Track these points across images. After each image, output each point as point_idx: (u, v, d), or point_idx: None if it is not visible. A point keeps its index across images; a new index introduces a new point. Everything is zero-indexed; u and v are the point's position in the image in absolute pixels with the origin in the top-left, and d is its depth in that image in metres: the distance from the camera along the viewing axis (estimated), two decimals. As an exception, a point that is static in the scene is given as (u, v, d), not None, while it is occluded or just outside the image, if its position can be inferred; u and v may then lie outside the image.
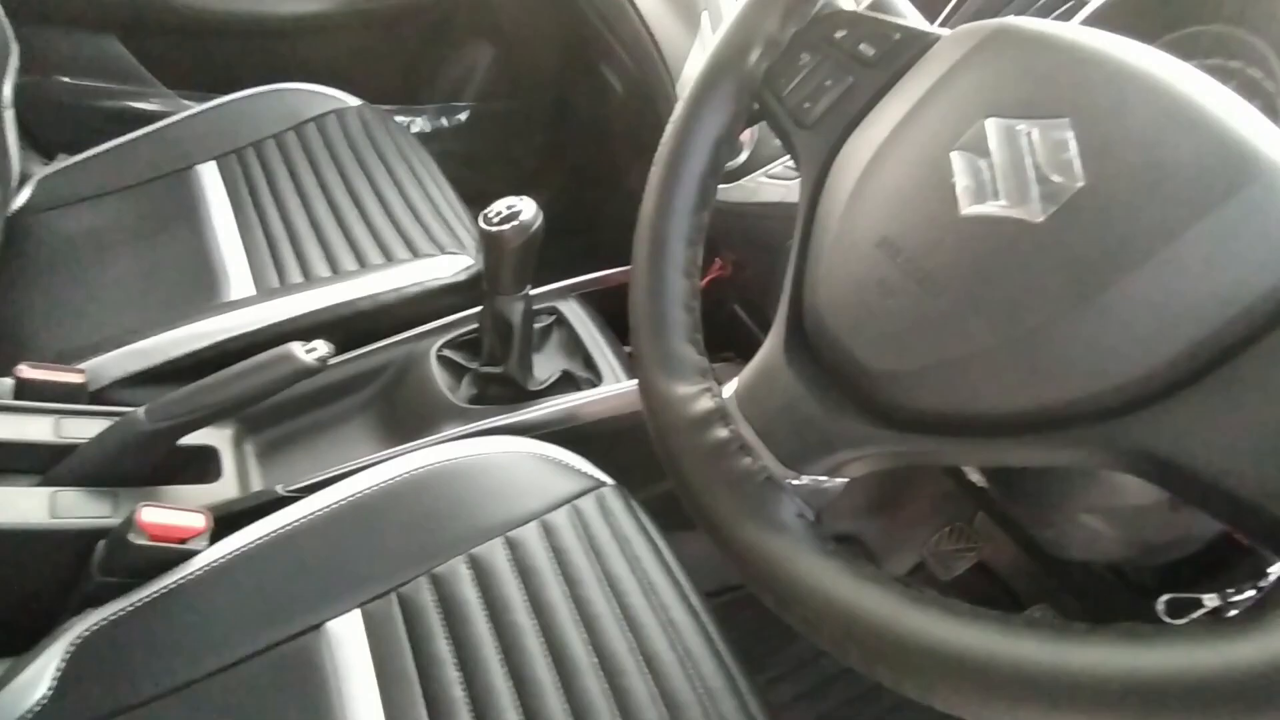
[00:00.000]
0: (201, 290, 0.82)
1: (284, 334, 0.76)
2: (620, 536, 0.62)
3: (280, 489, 0.65)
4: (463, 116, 1.36)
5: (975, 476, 0.54)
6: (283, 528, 0.59)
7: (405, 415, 0.75)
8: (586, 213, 1.40)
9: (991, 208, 0.29)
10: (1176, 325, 0.25)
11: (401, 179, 0.97)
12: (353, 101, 1.07)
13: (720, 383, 0.39)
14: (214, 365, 0.74)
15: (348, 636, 0.55)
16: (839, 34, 0.39)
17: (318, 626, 0.55)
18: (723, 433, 0.35)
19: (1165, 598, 0.39)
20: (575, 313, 0.85)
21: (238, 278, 0.83)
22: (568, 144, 1.40)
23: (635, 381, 0.76)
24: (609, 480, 0.66)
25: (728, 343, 0.98)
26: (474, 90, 1.35)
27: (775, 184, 0.73)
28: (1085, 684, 0.22)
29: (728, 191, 0.76)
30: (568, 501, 0.63)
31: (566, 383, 0.78)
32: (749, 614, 1.02)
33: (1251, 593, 0.34)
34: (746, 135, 0.76)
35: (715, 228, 0.84)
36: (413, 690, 0.53)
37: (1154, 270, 0.25)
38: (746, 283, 0.93)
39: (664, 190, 0.42)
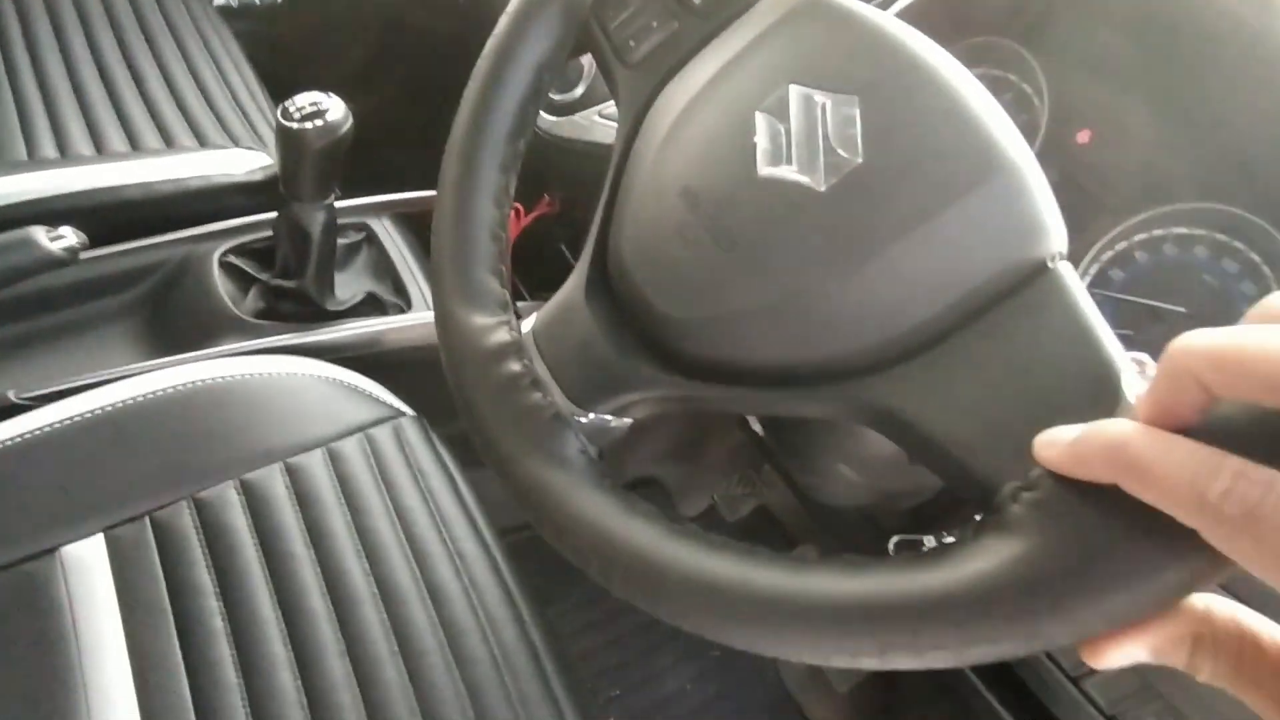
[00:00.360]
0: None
1: (26, 218, 0.65)
2: (414, 467, 0.60)
3: (12, 394, 0.56)
4: (278, -2, 1.21)
5: (757, 428, 0.58)
6: (14, 438, 0.51)
7: (176, 325, 0.67)
8: (417, 128, 1.31)
9: (784, 171, 0.30)
10: (916, 299, 0.28)
11: (193, 55, 0.85)
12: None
13: (522, 319, 0.39)
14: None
15: (88, 563, 0.49)
16: None
17: (51, 551, 0.49)
18: (515, 367, 0.35)
19: (895, 539, 0.44)
20: (388, 232, 0.80)
21: (-30, 144, 0.70)
22: (401, 51, 1.29)
23: (437, 332, 0.73)
24: (408, 410, 0.64)
25: (551, 282, 0.97)
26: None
27: (608, 124, 0.73)
28: (805, 606, 0.25)
29: (559, 125, 0.74)
30: (359, 430, 0.60)
31: (370, 305, 0.73)
32: (546, 550, 1.05)
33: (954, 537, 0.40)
34: (586, 66, 0.75)
35: (545, 163, 0.83)
36: (164, 620, 0.48)
37: (905, 247, 0.28)
38: (574, 222, 0.92)
39: (479, 112, 0.40)
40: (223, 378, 0.58)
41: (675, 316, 0.32)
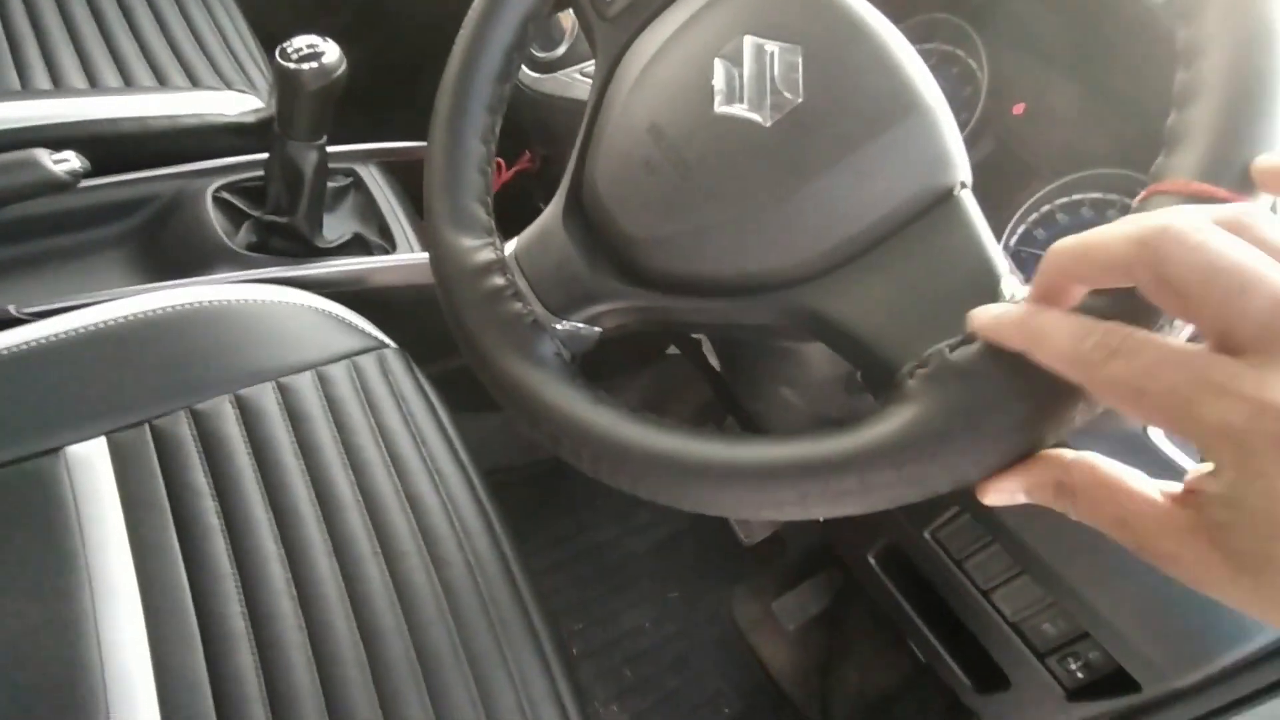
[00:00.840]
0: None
1: (25, 142, 0.67)
2: (398, 394, 0.65)
3: (13, 309, 0.59)
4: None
5: (715, 363, 0.64)
6: (17, 345, 0.54)
7: (171, 253, 0.70)
8: (402, 81, 1.33)
9: (737, 109, 0.35)
10: (844, 218, 0.33)
11: (185, 1, 0.87)
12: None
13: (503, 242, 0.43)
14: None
15: (91, 462, 0.53)
16: None
17: (56, 450, 0.52)
18: (499, 280, 0.39)
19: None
20: (374, 179, 0.83)
21: (-36, 72, 0.72)
22: (388, 6, 1.31)
23: (428, 254, 0.78)
24: (391, 343, 0.68)
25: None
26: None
27: (587, 82, 0.77)
28: (740, 467, 0.30)
29: (541, 82, 0.78)
30: (346, 357, 0.64)
31: (357, 245, 0.77)
32: (521, 492, 1.10)
33: None
34: (569, 27, 0.78)
35: (526, 119, 0.87)
36: (163, 517, 0.53)
37: (834, 175, 0.33)
38: (553, 179, 0.96)
39: (469, 55, 0.44)
40: (218, 301, 0.61)
41: (640, 235, 0.36)
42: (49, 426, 0.53)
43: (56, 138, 0.68)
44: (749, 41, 0.36)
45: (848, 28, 0.34)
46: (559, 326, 0.38)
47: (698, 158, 0.35)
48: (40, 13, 0.80)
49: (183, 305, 0.60)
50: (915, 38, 0.54)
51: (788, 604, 1.01)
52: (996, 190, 0.57)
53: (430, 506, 0.58)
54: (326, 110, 0.66)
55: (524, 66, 0.79)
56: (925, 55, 0.40)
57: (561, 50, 0.77)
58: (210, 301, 0.61)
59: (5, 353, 0.54)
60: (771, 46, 0.35)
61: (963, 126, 0.61)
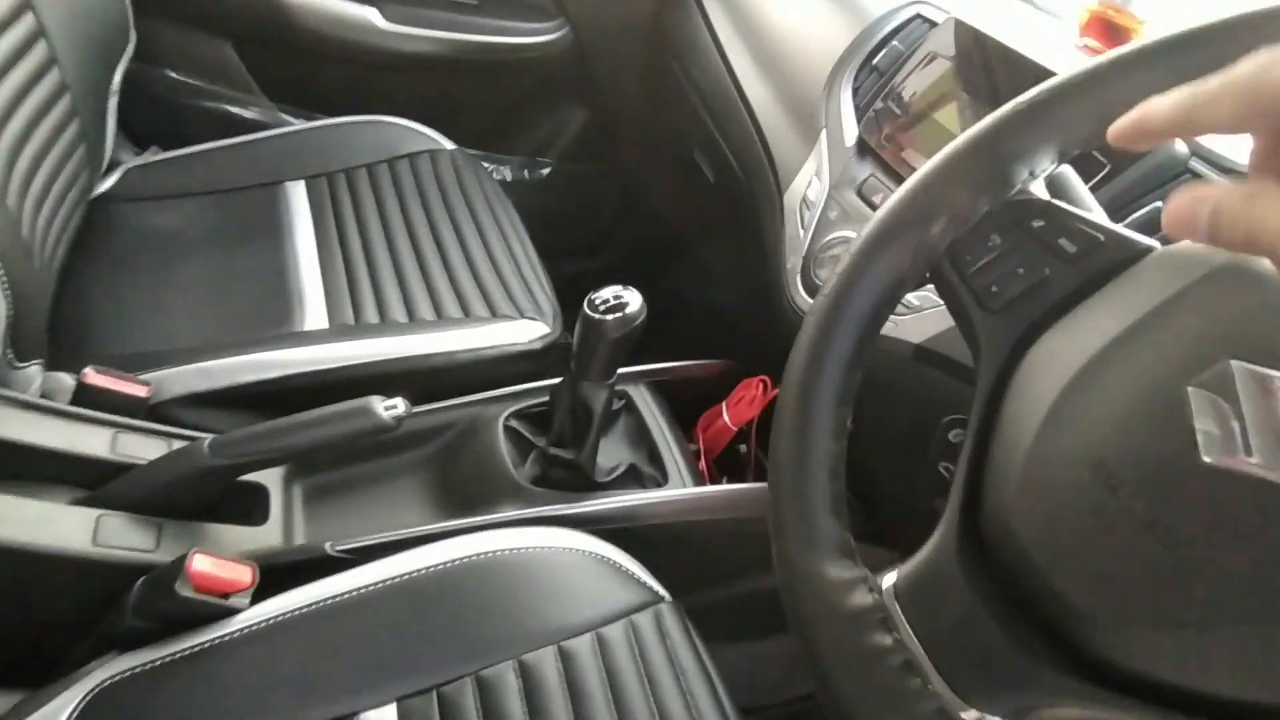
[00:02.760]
0: (274, 313, 0.81)
1: (354, 379, 0.74)
2: (674, 660, 0.59)
3: (329, 547, 0.62)
4: (545, 171, 1.36)
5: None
6: (327, 600, 0.56)
7: (464, 482, 0.72)
8: (650, 281, 1.40)
9: (1243, 465, 0.26)
10: None
11: (487, 231, 0.96)
12: (447, 144, 1.08)
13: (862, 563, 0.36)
14: (278, 397, 0.73)
15: (381, 731, 0.51)
16: (1036, 223, 0.37)
17: (351, 716, 0.51)
18: (884, 639, 0.32)
19: None
20: (645, 400, 0.82)
21: (313, 306, 0.82)
22: (640, 217, 1.40)
23: (699, 489, 0.75)
24: (666, 595, 0.63)
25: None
26: (559, 149, 1.36)
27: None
28: None
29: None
30: (625, 615, 0.60)
31: (631, 477, 0.75)
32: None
33: None
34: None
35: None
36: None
37: None
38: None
39: (819, 345, 0.39)
40: (505, 550, 0.60)
41: (1100, 616, 0.28)
42: (348, 688, 0.52)
43: (378, 374, 0.74)
44: (1241, 370, 0.27)
45: None
46: (968, 718, 0.30)
47: (1184, 523, 0.27)
48: (372, 247, 0.91)
49: (474, 555, 0.59)
50: None
51: None
52: None
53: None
54: (622, 355, 0.65)
55: (804, 293, 0.76)
56: None
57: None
58: (498, 551, 0.60)
59: (319, 606, 0.55)
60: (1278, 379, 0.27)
61: None
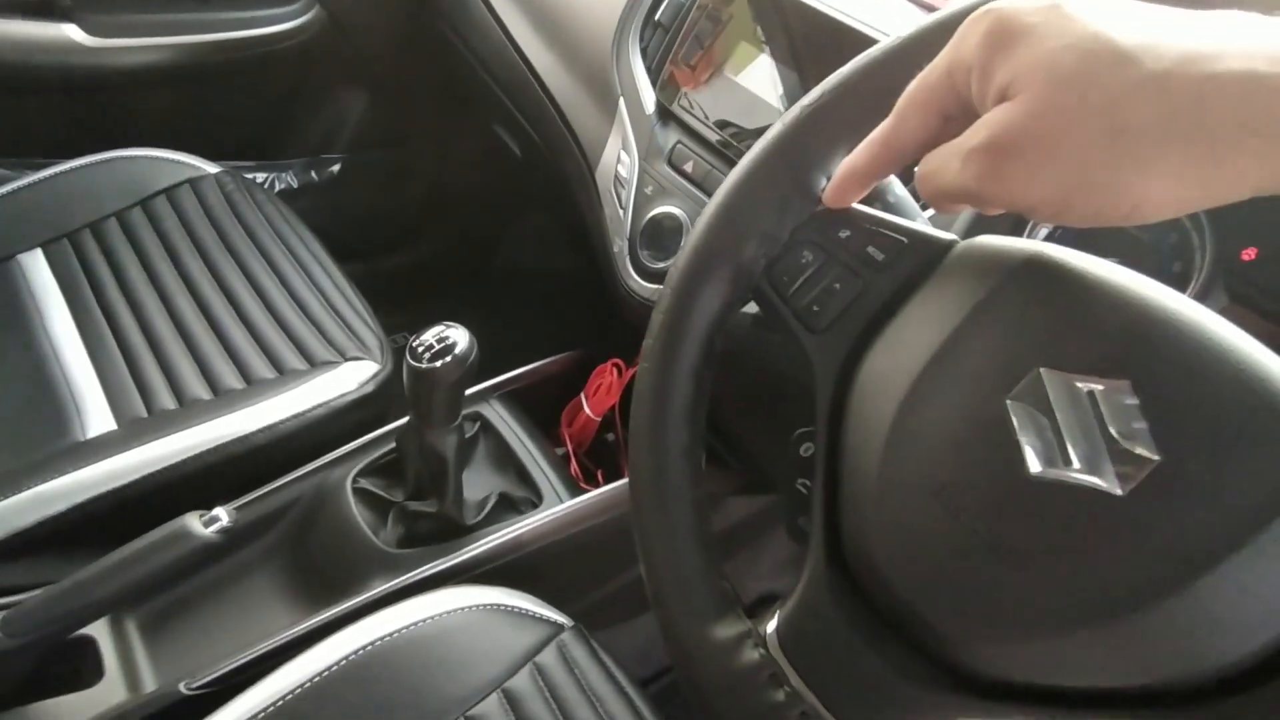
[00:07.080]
0: (44, 425, 0.69)
1: (164, 484, 0.64)
2: (589, 691, 0.58)
3: (183, 687, 0.55)
4: (335, 169, 1.24)
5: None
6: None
7: (322, 563, 0.66)
8: (472, 270, 1.32)
9: (1066, 474, 0.27)
10: (1268, 616, 0.24)
11: (280, 264, 0.85)
12: (210, 167, 0.94)
13: (744, 605, 0.36)
14: (77, 529, 0.63)
15: None
16: (843, 234, 0.36)
17: None
18: (777, 695, 0.32)
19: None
20: (501, 417, 0.78)
21: (92, 406, 0.70)
22: (451, 199, 1.31)
23: (574, 502, 0.72)
24: (565, 620, 0.61)
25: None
26: (345, 141, 1.23)
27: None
28: None
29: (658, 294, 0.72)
30: (529, 659, 0.58)
31: (504, 507, 0.71)
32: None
33: None
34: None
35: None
36: None
37: (1248, 556, 0.24)
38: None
39: (660, 396, 0.37)
40: (387, 635, 0.56)
41: (964, 636, 0.28)
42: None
43: (191, 472, 0.65)
44: (1050, 378, 0.28)
45: (1180, 343, 0.26)
46: (874, 751, 0.30)
47: (1021, 538, 0.27)
48: (147, 315, 0.78)
49: (356, 651, 0.55)
50: None
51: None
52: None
53: None
54: (461, 395, 0.61)
55: (637, 277, 0.74)
56: None
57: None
58: (382, 637, 0.55)
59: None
60: (1086, 384, 0.27)
61: (1184, 281, 0.52)
